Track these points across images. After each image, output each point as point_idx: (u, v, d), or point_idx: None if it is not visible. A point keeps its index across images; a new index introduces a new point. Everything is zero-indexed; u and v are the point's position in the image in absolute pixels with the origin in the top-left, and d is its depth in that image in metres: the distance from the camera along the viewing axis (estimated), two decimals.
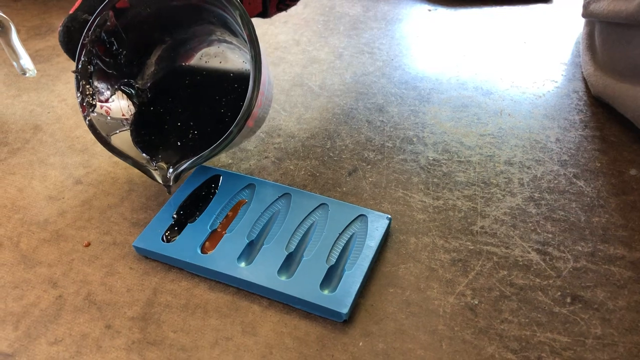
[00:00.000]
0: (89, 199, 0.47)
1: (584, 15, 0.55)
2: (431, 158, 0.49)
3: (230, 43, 0.48)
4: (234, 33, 0.45)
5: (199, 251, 0.41)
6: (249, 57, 0.40)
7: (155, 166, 0.43)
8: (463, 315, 0.38)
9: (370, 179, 0.48)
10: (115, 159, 0.51)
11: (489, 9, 0.71)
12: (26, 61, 0.54)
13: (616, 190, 0.46)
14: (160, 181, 0.42)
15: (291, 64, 0.62)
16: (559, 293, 0.39)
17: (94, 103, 0.43)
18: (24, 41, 0.68)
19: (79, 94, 0.43)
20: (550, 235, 0.43)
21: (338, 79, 0.60)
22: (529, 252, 0.41)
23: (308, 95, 0.58)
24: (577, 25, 0.67)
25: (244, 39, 0.41)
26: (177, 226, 0.43)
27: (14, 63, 0.53)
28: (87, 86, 0.43)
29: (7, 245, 0.44)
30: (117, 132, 0.44)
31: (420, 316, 0.38)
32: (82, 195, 0.48)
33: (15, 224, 0.45)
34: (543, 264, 0.41)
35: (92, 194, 0.48)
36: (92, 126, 0.42)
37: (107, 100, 0.45)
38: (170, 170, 0.42)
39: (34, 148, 0.53)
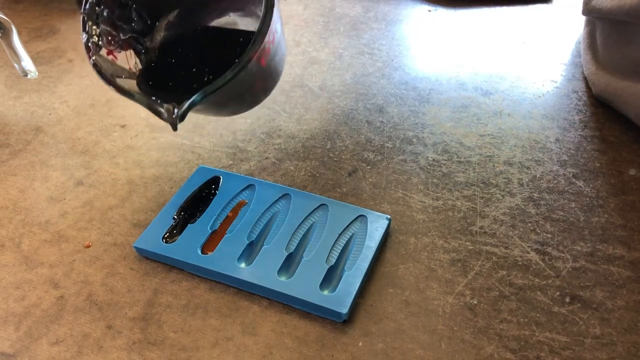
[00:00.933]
0: (90, 200, 0.48)
1: (584, 13, 0.55)
2: (431, 158, 0.50)
3: (243, 10, 0.47)
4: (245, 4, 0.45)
5: (200, 252, 0.41)
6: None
7: (162, 105, 0.40)
8: (462, 315, 0.38)
9: (370, 180, 0.48)
10: (117, 160, 0.51)
11: (489, 9, 0.71)
12: (27, 63, 0.54)
13: (615, 190, 0.46)
14: (167, 119, 0.39)
15: (291, 65, 0.62)
16: (558, 293, 0.39)
17: (99, 44, 0.42)
18: (25, 43, 0.68)
19: (84, 35, 0.41)
20: (549, 235, 0.43)
21: (338, 80, 0.60)
22: (528, 252, 0.42)
23: (308, 96, 0.58)
24: (577, 25, 0.67)
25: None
26: (178, 227, 0.43)
27: (15, 65, 0.53)
28: (94, 27, 0.42)
29: (9, 246, 0.44)
30: (122, 77, 0.43)
31: (419, 316, 0.38)
32: (83, 197, 0.48)
33: (16, 225, 0.46)
34: (542, 263, 0.41)
35: (93, 195, 0.48)
36: (96, 65, 0.41)
37: (113, 50, 0.43)
38: (176, 109, 0.39)
39: (35, 149, 0.53)
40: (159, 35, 0.47)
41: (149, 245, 0.42)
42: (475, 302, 0.39)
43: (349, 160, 0.50)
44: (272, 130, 0.54)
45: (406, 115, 0.55)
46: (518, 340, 0.36)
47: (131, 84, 0.43)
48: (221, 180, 0.47)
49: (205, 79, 0.43)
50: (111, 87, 0.40)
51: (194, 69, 0.45)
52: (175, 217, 0.44)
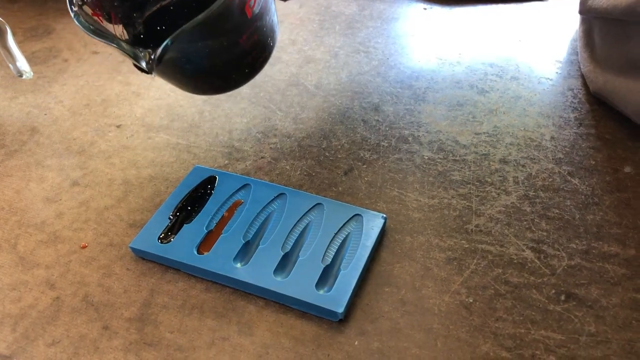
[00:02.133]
0: (86, 200, 0.48)
1: (581, 12, 0.56)
2: (426, 157, 0.50)
3: None
4: None
5: (195, 252, 0.41)
6: None
7: (140, 51, 0.39)
8: (458, 313, 0.38)
9: (365, 179, 0.48)
10: (112, 160, 0.51)
11: (484, 7, 0.71)
12: (22, 63, 0.54)
13: (610, 187, 0.46)
14: (144, 65, 0.38)
15: (287, 63, 0.62)
16: (554, 291, 0.39)
17: (85, 1, 0.41)
18: (20, 43, 0.68)
19: None
20: (544, 233, 0.43)
21: (334, 79, 0.60)
22: (523, 250, 0.42)
23: (304, 94, 0.58)
24: (572, 23, 0.67)
25: None
26: (174, 227, 0.43)
27: (10, 65, 0.53)
28: None
29: (5, 247, 0.44)
30: (104, 35, 0.41)
31: (415, 315, 0.38)
32: (79, 197, 0.48)
33: (12, 226, 0.46)
34: (537, 262, 0.41)
35: (89, 196, 0.48)
36: (77, 16, 0.40)
37: (98, 15, 0.42)
38: (152, 55, 0.38)
39: (30, 150, 0.53)
40: (146, 13, 0.46)
41: (145, 246, 0.42)
42: (471, 300, 0.39)
43: (344, 159, 0.50)
44: (267, 129, 0.54)
45: (402, 113, 0.55)
46: (513, 338, 0.37)
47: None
48: (217, 180, 0.47)
49: None
50: (92, 34, 0.39)
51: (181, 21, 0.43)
52: (171, 217, 0.44)
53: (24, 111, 0.58)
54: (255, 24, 0.42)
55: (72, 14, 0.40)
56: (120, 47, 0.38)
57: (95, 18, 0.41)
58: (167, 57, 0.38)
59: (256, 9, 0.41)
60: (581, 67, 0.58)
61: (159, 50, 0.37)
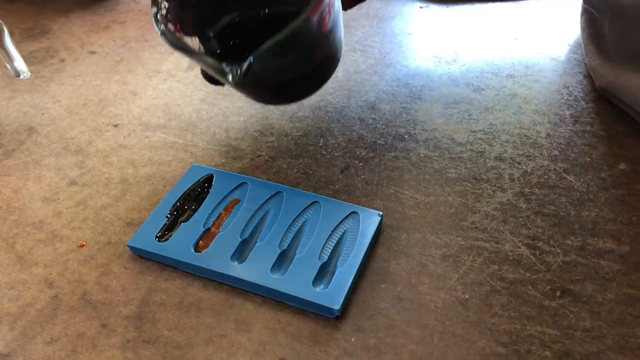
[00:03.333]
0: (83, 199, 0.48)
1: (585, 1, 0.55)
2: (422, 155, 0.50)
3: None
4: None
5: (193, 250, 0.41)
6: None
7: (226, 66, 0.40)
8: (454, 309, 0.38)
9: (362, 177, 0.48)
10: (110, 159, 0.51)
11: (480, 6, 0.71)
12: (19, 63, 0.54)
13: (605, 184, 0.46)
14: (230, 79, 0.39)
15: None
16: (549, 287, 0.39)
17: (168, 17, 0.43)
18: (17, 43, 0.68)
19: (154, 7, 0.43)
20: (540, 230, 0.43)
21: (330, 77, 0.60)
22: (519, 247, 0.42)
23: None
24: (569, 22, 0.67)
25: None
26: (171, 226, 0.43)
27: (7, 65, 0.53)
28: (164, 2, 0.43)
29: (3, 246, 0.44)
30: (191, 51, 0.44)
31: (411, 311, 0.38)
32: (76, 196, 0.48)
33: (10, 225, 0.46)
34: (533, 258, 0.41)
35: (86, 195, 0.48)
36: (163, 34, 0.42)
37: (179, 31, 0.45)
38: (238, 70, 0.39)
39: (28, 149, 0.53)
40: (219, 34, 0.48)
41: (143, 244, 0.42)
42: (467, 296, 0.39)
43: (341, 157, 0.50)
44: (264, 128, 0.54)
45: (398, 112, 0.55)
46: (509, 334, 0.37)
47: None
48: (214, 178, 0.47)
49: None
50: (178, 50, 0.41)
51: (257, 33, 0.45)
52: (169, 215, 0.44)
53: (21, 111, 0.58)
54: (328, 38, 0.44)
55: (158, 32, 0.42)
56: (206, 63, 0.40)
57: (178, 34, 0.44)
58: (250, 71, 0.39)
59: (330, 24, 0.42)
60: (586, 60, 0.57)
61: (245, 65, 0.39)
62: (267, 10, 0.50)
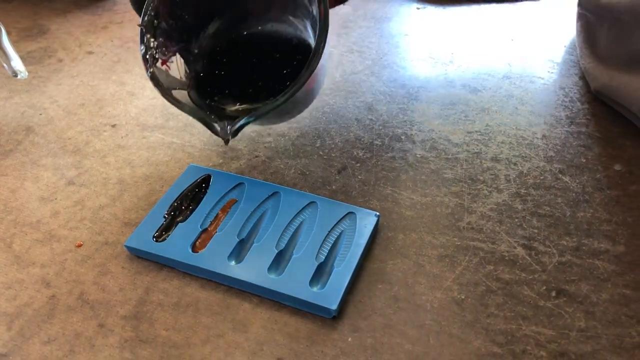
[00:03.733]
0: (81, 199, 0.48)
1: (580, 5, 0.56)
2: (419, 155, 0.50)
3: (286, 22, 0.49)
4: (292, 10, 0.46)
5: (190, 250, 0.41)
6: (310, 37, 0.43)
7: (215, 121, 0.43)
8: (450, 309, 0.39)
9: (359, 177, 0.48)
10: (107, 159, 0.51)
11: (477, 7, 0.72)
12: (17, 63, 0.54)
13: (601, 185, 0.47)
14: (220, 134, 0.41)
15: None
16: (544, 287, 0.40)
17: (156, 57, 0.44)
18: (15, 43, 0.68)
19: (142, 47, 0.43)
20: (536, 231, 0.43)
21: (328, 78, 0.60)
22: (514, 247, 0.42)
23: None
24: (565, 23, 0.67)
25: (309, 14, 0.43)
26: (169, 226, 0.43)
27: (5, 65, 0.53)
28: (152, 40, 0.44)
29: (0, 246, 0.44)
30: (177, 88, 0.45)
31: (408, 311, 0.39)
32: (74, 196, 0.48)
33: (8, 225, 0.46)
34: (529, 258, 0.41)
35: (84, 195, 0.48)
36: (154, 78, 0.43)
37: (167, 60, 0.45)
38: (229, 126, 0.42)
39: (26, 149, 0.53)
40: (205, 42, 0.49)
41: (140, 244, 0.42)
42: (463, 297, 0.39)
43: (338, 157, 0.50)
44: (262, 128, 0.54)
45: (395, 112, 0.55)
46: (505, 334, 0.37)
47: (183, 95, 0.45)
48: (211, 178, 0.47)
49: (250, 96, 0.46)
50: (167, 99, 0.42)
51: (243, 77, 0.48)
52: (166, 215, 0.44)
53: (19, 111, 0.58)
54: (314, 90, 0.46)
55: (148, 76, 0.43)
56: (196, 116, 0.42)
57: (165, 67, 0.45)
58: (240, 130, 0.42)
59: (317, 80, 0.44)
60: (581, 63, 0.58)
61: (236, 126, 0.41)
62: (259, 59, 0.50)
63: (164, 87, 0.43)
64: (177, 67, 0.46)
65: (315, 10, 0.41)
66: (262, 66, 0.48)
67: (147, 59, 0.43)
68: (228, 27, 0.49)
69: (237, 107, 0.45)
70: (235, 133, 0.41)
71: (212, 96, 0.46)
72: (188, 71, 0.47)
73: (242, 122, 0.41)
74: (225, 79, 0.48)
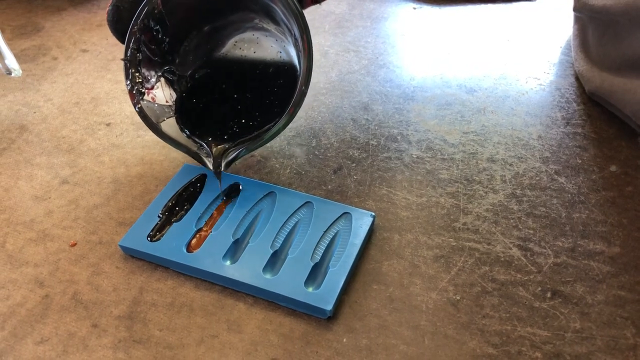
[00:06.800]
0: (75, 198, 0.47)
1: (575, 9, 0.56)
2: (415, 156, 0.50)
3: (267, 30, 0.49)
4: (275, 21, 0.46)
5: (185, 250, 0.41)
6: (292, 52, 0.44)
7: (206, 153, 0.44)
8: (445, 310, 0.38)
9: (354, 177, 0.48)
10: (102, 158, 0.51)
11: (474, 7, 0.72)
12: (11, 61, 0.54)
13: (596, 186, 0.47)
14: (212, 168, 0.43)
15: None
16: (540, 288, 0.40)
17: (143, 91, 0.44)
18: (9, 41, 0.68)
19: (128, 82, 0.43)
20: (531, 232, 0.43)
21: (324, 78, 0.60)
22: (510, 248, 0.42)
23: None
24: (561, 24, 0.68)
25: (289, 32, 0.43)
26: (163, 225, 0.43)
27: None
28: (137, 74, 0.43)
29: None
30: (165, 119, 0.45)
31: (403, 312, 0.38)
32: (68, 195, 0.48)
33: (1, 224, 0.46)
34: (524, 259, 0.41)
35: (78, 194, 0.48)
36: (142, 113, 0.43)
37: (152, 88, 0.45)
38: (219, 160, 0.43)
39: (19, 148, 0.53)
40: (188, 58, 0.48)
41: (135, 244, 0.42)
42: (458, 297, 0.39)
43: (334, 157, 0.50)
44: None
45: (391, 112, 0.55)
46: (500, 335, 0.37)
47: (173, 124, 0.46)
48: (206, 178, 0.47)
49: (235, 123, 0.47)
50: (158, 136, 0.43)
51: (228, 101, 0.48)
52: (161, 215, 0.44)
53: (12, 109, 0.58)
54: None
55: (136, 111, 0.44)
56: (187, 152, 0.44)
57: (152, 96, 0.45)
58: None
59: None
60: (575, 66, 0.58)
61: (228, 159, 0.43)
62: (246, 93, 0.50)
63: (153, 123, 0.43)
64: (162, 91, 0.46)
65: (296, 31, 0.41)
66: (244, 100, 0.48)
67: (134, 94, 0.43)
68: (207, 39, 0.49)
69: (223, 145, 0.45)
70: (226, 167, 0.43)
71: (195, 129, 0.46)
72: (172, 92, 0.47)
73: (232, 156, 0.43)
74: (207, 115, 0.48)
